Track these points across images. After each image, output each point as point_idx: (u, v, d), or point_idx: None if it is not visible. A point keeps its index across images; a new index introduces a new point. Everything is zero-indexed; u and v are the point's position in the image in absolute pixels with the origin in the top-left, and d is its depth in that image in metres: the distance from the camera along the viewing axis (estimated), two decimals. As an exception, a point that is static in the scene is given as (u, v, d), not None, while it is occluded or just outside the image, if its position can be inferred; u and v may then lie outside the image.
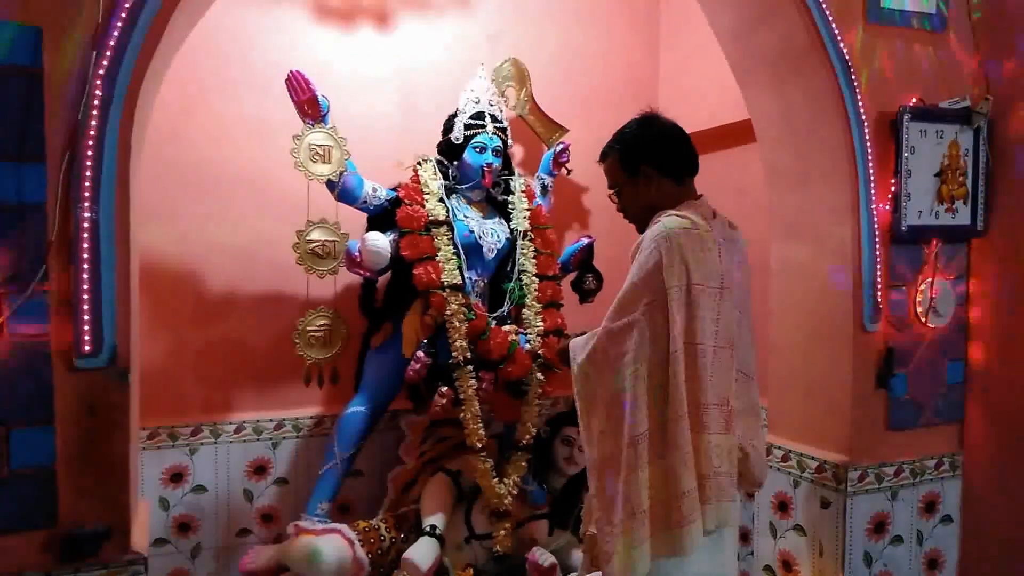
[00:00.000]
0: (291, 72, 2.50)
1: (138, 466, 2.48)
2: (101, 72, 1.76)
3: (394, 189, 2.80)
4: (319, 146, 2.56)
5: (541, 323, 2.82)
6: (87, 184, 1.75)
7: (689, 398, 1.74)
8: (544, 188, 3.17)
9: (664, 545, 1.72)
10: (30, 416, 1.75)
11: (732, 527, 1.87)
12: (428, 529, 2.61)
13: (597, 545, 1.79)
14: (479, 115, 2.86)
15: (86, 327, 1.76)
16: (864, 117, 2.44)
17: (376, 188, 2.75)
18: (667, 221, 1.78)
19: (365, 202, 2.73)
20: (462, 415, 2.68)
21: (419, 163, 2.86)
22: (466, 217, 2.83)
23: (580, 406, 1.86)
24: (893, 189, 2.51)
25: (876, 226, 2.47)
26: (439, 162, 2.89)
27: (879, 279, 2.48)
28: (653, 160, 1.89)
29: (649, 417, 1.72)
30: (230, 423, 2.93)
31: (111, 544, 1.81)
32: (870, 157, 2.46)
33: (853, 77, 2.43)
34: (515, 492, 2.73)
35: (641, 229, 1.90)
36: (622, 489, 1.72)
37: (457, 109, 2.90)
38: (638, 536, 1.69)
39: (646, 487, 1.70)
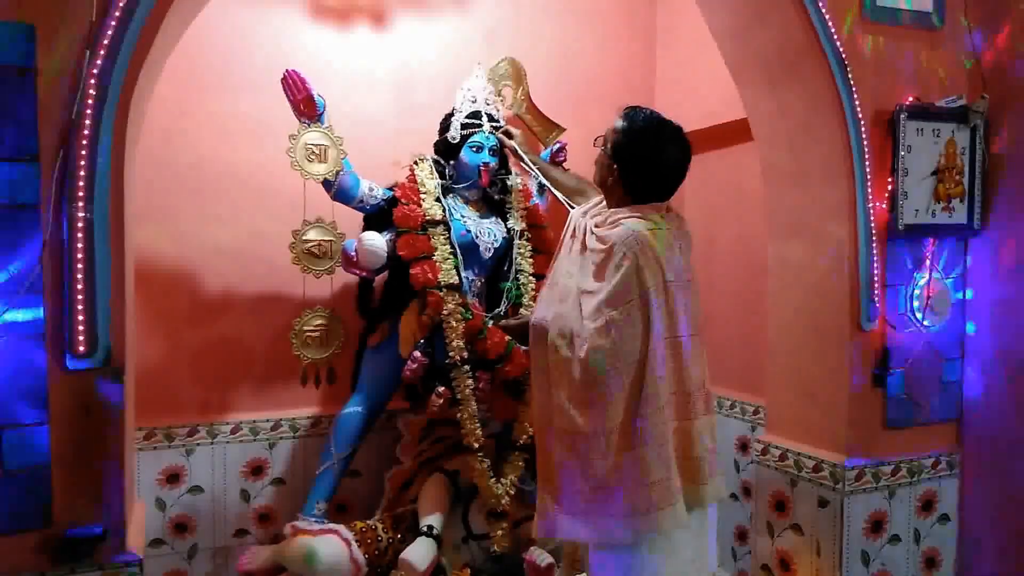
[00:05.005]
0: (287, 71, 2.49)
1: (134, 467, 2.48)
2: (95, 71, 1.75)
3: (391, 188, 2.79)
4: (315, 145, 2.55)
5: (538, 322, 2.82)
6: (81, 183, 1.74)
7: (678, 388, 1.86)
8: (541, 187, 3.15)
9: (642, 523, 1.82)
10: (24, 416, 1.74)
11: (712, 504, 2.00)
12: (425, 529, 2.60)
13: (537, 505, 1.94)
14: (476, 114, 2.85)
15: (80, 327, 1.75)
16: (861, 116, 2.44)
17: (372, 187, 2.75)
18: (632, 224, 1.88)
19: (362, 201, 2.73)
20: (459, 415, 2.68)
21: (416, 162, 2.86)
22: (463, 216, 2.83)
23: (542, 376, 1.92)
24: (890, 188, 2.51)
25: (873, 225, 2.47)
26: (436, 161, 2.88)
27: (876, 278, 2.48)
28: (628, 178, 1.97)
29: (626, 410, 1.81)
30: (227, 423, 2.92)
31: (106, 545, 1.81)
32: (867, 156, 2.46)
33: (850, 75, 2.43)
34: (512, 492, 2.72)
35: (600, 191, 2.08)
36: (599, 470, 1.82)
37: (454, 108, 2.89)
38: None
39: (617, 470, 1.81)
